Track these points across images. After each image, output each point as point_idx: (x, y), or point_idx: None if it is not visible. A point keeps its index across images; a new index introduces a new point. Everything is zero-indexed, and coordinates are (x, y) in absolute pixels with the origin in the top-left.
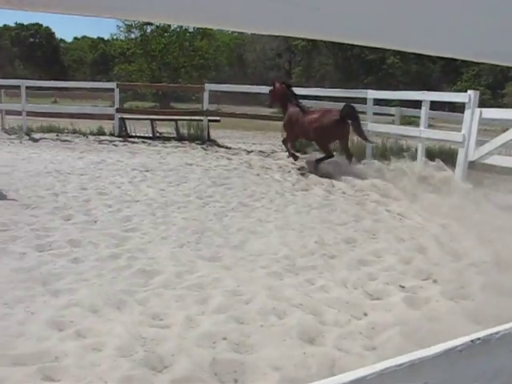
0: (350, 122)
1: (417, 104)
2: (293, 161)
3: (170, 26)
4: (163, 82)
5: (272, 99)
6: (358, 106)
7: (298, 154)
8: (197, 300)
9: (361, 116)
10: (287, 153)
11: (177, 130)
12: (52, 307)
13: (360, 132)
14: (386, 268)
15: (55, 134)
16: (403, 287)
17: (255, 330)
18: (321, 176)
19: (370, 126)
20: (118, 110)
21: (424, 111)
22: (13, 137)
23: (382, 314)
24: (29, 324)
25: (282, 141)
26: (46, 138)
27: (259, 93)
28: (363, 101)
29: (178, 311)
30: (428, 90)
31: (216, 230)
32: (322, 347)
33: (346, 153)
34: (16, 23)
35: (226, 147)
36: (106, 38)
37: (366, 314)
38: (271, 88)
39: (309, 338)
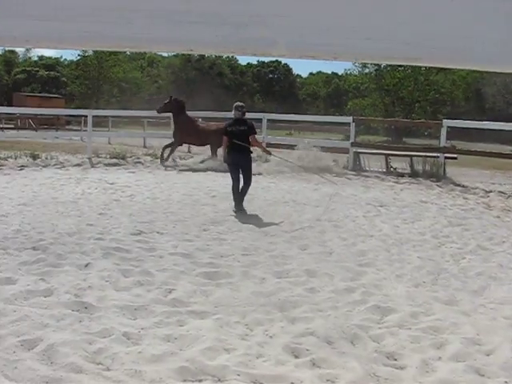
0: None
1: None
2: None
3: None
4: (396, 117)
5: (162, 109)
6: None
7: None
8: (433, 344)
9: None
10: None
11: (411, 165)
12: (289, 333)
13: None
14: None
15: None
16: None
17: None
18: None
19: None
20: (353, 144)
21: None
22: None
23: None
24: (267, 347)
25: (165, 146)
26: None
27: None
28: None
29: (414, 353)
30: None
31: (453, 272)
32: None
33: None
34: (258, 61)
35: (463, 186)
36: (340, 73)
37: None
38: (167, 101)
39: None
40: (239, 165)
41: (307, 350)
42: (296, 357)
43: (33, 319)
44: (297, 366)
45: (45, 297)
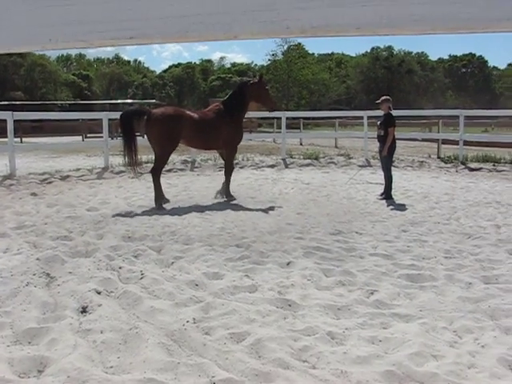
0: None
1: None
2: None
3: None
4: None
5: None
6: None
7: None
8: None
9: None
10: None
11: None
12: (503, 344)
13: None
14: None
15: (491, 163)
16: None
17: None
18: None
19: None
20: None
21: None
22: (448, 166)
23: None
24: (479, 356)
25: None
26: (482, 168)
27: None
28: None
29: None
30: None
31: None
32: None
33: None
34: (450, 55)
35: None
36: None
37: None
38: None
39: None
40: None
41: None
42: None
43: (240, 314)
44: None
45: (250, 292)
